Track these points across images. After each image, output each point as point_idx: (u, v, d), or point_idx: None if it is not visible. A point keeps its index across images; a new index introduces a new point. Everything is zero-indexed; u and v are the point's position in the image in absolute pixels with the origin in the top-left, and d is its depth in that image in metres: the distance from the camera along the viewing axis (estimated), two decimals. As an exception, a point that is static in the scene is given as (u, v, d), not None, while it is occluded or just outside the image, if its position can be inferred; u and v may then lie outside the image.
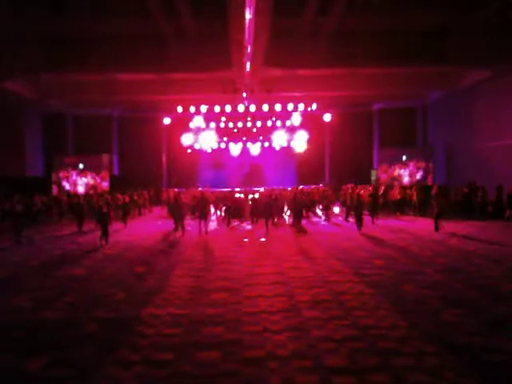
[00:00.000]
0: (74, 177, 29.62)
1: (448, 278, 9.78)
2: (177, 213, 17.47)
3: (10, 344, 6.69)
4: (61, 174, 29.26)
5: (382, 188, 25.76)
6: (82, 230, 18.62)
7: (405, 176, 29.83)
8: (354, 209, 18.06)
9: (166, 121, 29.55)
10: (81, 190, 29.22)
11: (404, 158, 29.66)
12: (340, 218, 22.17)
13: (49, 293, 9.34)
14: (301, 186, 26.00)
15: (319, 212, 23.02)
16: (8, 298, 9.05)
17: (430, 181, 29.02)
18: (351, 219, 19.03)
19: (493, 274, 10.23)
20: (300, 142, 29.25)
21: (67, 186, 29.34)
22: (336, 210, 25.23)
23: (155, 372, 5.60)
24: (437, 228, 16.49)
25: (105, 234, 15.40)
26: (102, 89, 25.05)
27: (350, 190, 21.60)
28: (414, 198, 23.05)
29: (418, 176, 29.56)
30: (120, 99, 28.40)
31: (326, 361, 5.77)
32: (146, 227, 20.02)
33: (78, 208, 19.58)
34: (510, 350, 6.01)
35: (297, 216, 19.05)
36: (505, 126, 22.18)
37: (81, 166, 29.59)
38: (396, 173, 29.83)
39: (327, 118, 28.56)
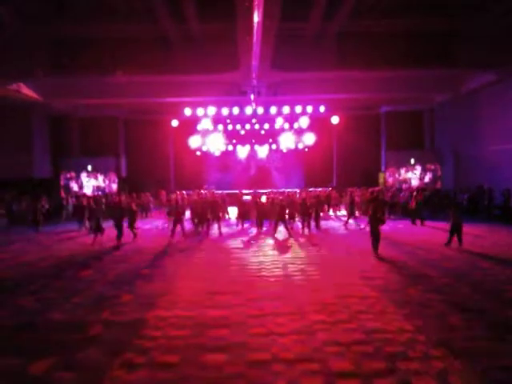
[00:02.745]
0: (82, 178, 29.81)
1: (454, 282, 9.73)
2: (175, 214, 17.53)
3: (15, 345, 6.73)
4: (68, 176, 29.46)
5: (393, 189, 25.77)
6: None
7: (413, 179, 29.83)
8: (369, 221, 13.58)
9: (174, 123, 29.61)
10: (88, 191, 29.40)
11: (412, 160, 29.63)
12: (350, 221, 22.16)
13: (55, 294, 9.40)
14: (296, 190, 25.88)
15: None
16: (14, 299, 9.10)
17: (438, 184, 28.98)
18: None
19: (500, 278, 10.16)
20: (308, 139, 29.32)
21: (75, 188, 29.51)
22: (343, 211, 25.19)
23: (160, 375, 5.63)
24: (452, 242, 14.07)
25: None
26: (109, 91, 25.13)
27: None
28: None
29: (427, 179, 29.52)
30: (127, 101, 28.48)
31: (331, 364, 5.77)
32: (152, 229, 20.01)
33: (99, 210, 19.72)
34: (517, 355, 5.99)
35: (302, 219, 18.94)
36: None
37: (89, 167, 29.76)
38: (404, 176, 29.85)
39: (335, 120, 28.53)
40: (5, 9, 18.42)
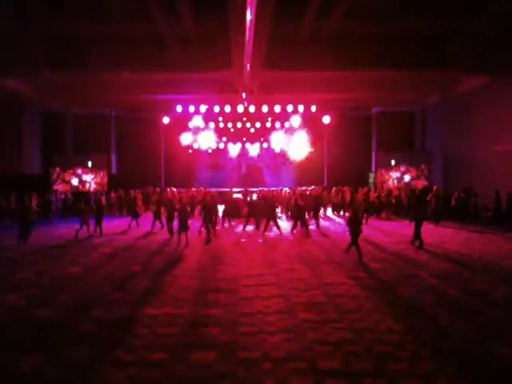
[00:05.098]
0: (80, 175, 29.59)
1: (443, 283, 9.79)
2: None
3: (4, 342, 6.68)
4: (68, 172, 29.25)
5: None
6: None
7: (394, 179, 29.90)
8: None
9: (165, 120, 29.56)
10: (87, 187, 29.29)
11: (393, 162, 29.69)
12: (338, 220, 22.21)
13: (44, 291, 9.34)
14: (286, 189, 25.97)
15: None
16: (3, 296, 9.03)
17: (419, 184, 29.10)
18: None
19: (488, 279, 10.24)
20: (299, 148, 29.30)
21: (75, 183, 29.32)
22: (328, 212, 25.23)
23: (150, 373, 5.60)
24: (415, 242, 14.33)
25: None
26: (102, 88, 25.02)
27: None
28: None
29: (406, 179, 29.57)
30: (119, 98, 28.37)
31: (320, 364, 5.78)
32: (142, 227, 19.88)
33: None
34: (505, 355, 6.03)
35: (294, 219, 18.94)
36: (502, 132, 22.22)
37: (90, 164, 29.55)
38: (390, 176, 29.95)
39: (326, 120, 28.57)
40: (3, 10, 18.34)
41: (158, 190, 25.48)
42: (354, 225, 12.47)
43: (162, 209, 18.94)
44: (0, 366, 5.89)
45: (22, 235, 15.42)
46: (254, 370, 5.66)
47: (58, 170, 28.91)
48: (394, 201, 24.67)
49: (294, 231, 17.77)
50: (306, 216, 18.96)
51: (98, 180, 29.57)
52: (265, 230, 17.44)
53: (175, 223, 16.09)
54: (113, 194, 22.92)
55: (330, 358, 5.93)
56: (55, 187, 28.32)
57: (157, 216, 18.82)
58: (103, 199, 20.13)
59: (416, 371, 5.58)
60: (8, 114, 26.25)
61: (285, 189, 26.62)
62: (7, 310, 8.21)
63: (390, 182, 29.58)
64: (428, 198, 21.66)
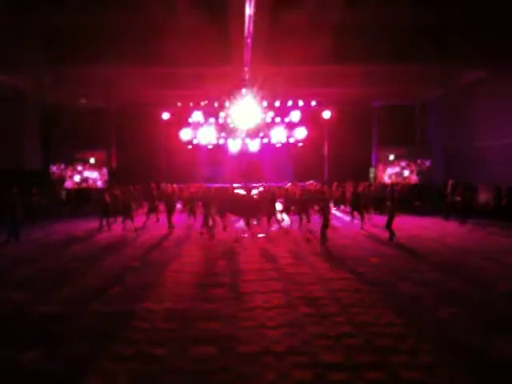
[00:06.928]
0: (82, 171, 29.56)
1: (444, 276, 9.79)
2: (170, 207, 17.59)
3: (4, 337, 6.68)
4: (70, 168, 29.23)
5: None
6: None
7: (392, 175, 29.93)
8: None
9: (165, 116, 29.49)
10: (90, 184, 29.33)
11: (391, 157, 29.70)
12: (338, 215, 22.19)
13: (44, 286, 9.33)
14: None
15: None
16: (3, 291, 9.03)
17: (412, 179, 29.19)
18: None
19: (489, 272, 10.24)
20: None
21: (77, 179, 29.34)
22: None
23: (150, 367, 5.59)
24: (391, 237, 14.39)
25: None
26: (101, 83, 24.93)
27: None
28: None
29: (405, 174, 29.60)
30: (119, 93, 28.29)
31: (321, 357, 5.77)
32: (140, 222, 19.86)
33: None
34: (505, 349, 6.02)
35: (297, 214, 18.93)
36: (503, 126, 22.16)
37: (92, 160, 29.53)
38: (390, 171, 29.99)
39: (326, 114, 28.49)
40: (2, 3, 18.29)
41: (153, 185, 25.32)
42: (325, 212, 14.19)
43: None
44: (0, 361, 5.88)
45: (13, 234, 14.95)
46: (255, 364, 5.65)
47: (62, 166, 28.94)
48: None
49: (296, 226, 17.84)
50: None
51: (94, 176, 29.60)
52: (267, 225, 17.42)
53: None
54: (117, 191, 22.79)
55: (330, 352, 5.92)
56: (65, 184, 28.40)
57: (151, 210, 18.97)
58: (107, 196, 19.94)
59: (416, 363, 5.58)
60: (8, 109, 26.18)
61: (288, 184, 26.54)
62: (7, 304, 8.20)
63: (387, 177, 29.67)
64: (445, 191, 21.77)
